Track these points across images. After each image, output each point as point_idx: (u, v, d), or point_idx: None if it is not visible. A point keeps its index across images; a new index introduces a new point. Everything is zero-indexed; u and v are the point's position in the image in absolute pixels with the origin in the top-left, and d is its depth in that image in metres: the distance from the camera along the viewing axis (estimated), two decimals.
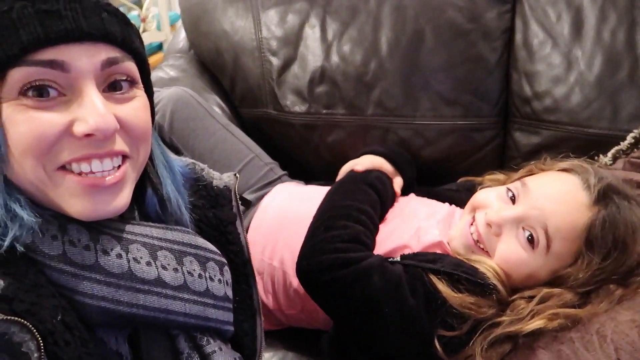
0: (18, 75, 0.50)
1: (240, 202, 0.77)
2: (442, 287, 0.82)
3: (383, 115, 1.28)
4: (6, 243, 0.52)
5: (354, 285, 0.86)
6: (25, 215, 0.53)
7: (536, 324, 0.80)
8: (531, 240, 0.85)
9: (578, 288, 0.83)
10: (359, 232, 0.92)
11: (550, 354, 0.80)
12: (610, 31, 1.15)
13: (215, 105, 1.36)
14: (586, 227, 0.83)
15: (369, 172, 1.07)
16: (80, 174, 0.54)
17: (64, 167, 0.54)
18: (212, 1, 1.40)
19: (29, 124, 0.51)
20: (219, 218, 0.74)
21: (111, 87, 0.56)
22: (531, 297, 0.83)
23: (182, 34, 1.56)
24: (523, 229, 0.86)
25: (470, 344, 0.81)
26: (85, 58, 0.52)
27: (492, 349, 0.81)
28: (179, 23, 2.44)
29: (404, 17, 1.27)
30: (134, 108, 0.57)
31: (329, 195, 1.00)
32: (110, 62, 0.54)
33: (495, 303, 0.83)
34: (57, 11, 0.50)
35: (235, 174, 0.78)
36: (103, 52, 0.53)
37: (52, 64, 0.51)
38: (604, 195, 0.84)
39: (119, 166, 0.56)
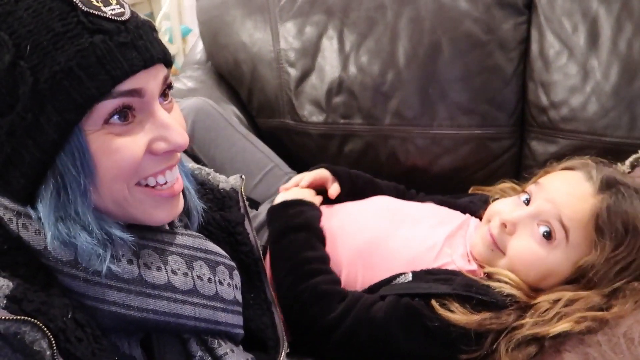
0: (106, 107, 0.52)
1: (247, 203, 0.79)
2: (454, 315, 0.83)
3: (400, 125, 1.30)
4: (105, 266, 0.55)
5: (349, 344, 0.87)
6: (123, 234, 0.56)
7: (563, 326, 0.80)
8: (547, 236, 0.87)
9: (601, 285, 0.84)
10: (317, 284, 0.90)
11: (577, 356, 0.80)
12: (627, 41, 1.17)
13: (233, 116, 1.38)
14: (593, 214, 0.86)
15: (287, 215, 1.01)
16: (154, 186, 0.58)
17: (139, 183, 0.57)
18: (231, 14, 1.42)
19: (121, 151, 0.53)
20: (227, 220, 0.75)
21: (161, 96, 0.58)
22: (556, 300, 0.84)
23: (200, 46, 1.58)
24: (538, 225, 0.88)
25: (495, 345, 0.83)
26: (153, 81, 0.55)
27: (518, 350, 0.82)
28: (190, 36, 2.48)
29: (421, 28, 1.29)
30: (179, 115, 0.60)
31: (272, 268, 0.97)
32: (165, 79, 0.57)
33: (515, 310, 0.84)
34: (131, 42, 0.52)
35: (241, 176, 0.80)
36: (160, 72, 0.56)
37: (133, 93, 0.53)
38: (607, 185, 0.88)
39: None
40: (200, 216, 0.69)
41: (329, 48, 1.34)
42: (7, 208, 0.55)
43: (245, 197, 0.79)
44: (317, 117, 1.35)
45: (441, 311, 0.83)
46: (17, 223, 0.55)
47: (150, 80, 0.54)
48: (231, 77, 1.46)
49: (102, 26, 0.51)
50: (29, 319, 0.50)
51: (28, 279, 0.53)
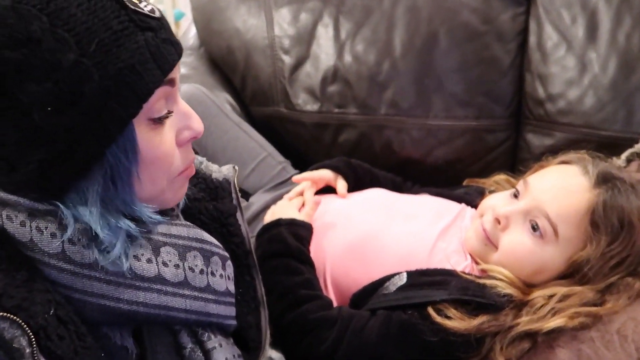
0: (153, 99, 0.54)
1: (239, 194, 0.79)
2: (452, 322, 0.82)
3: (395, 115, 1.29)
4: (116, 251, 0.56)
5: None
6: (155, 216, 0.59)
7: (557, 322, 0.80)
8: (536, 230, 0.87)
9: (596, 280, 0.84)
10: (305, 314, 0.88)
11: (570, 353, 0.80)
12: (625, 34, 1.16)
13: (225, 103, 1.36)
14: (589, 208, 0.85)
15: (265, 241, 0.97)
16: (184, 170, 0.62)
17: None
18: None
19: (166, 142, 0.57)
20: (220, 210, 0.75)
21: None
22: (551, 296, 0.84)
23: (192, 31, 1.55)
24: (529, 221, 0.88)
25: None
26: (177, 72, 0.57)
27: (512, 346, 0.82)
28: (183, 20, 2.45)
29: (418, 17, 1.27)
30: None
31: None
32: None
33: (512, 309, 0.84)
34: (169, 38, 0.55)
35: (234, 166, 0.79)
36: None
37: (172, 82, 0.56)
38: (604, 179, 0.87)
39: None
40: (184, 199, 0.69)
41: (324, 36, 1.32)
42: None
43: (237, 188, 0.78)
44: (312, 106, 1.33)
45: (438, 319, 0.82)
46: (1, 214, 0.54)
47: (176, 71, 0.57)
48: (224, 64, 1.44)
49: (148, 23, 0.53)
50: (8, 315, 0.49)
51: (9, 273, 0.52)
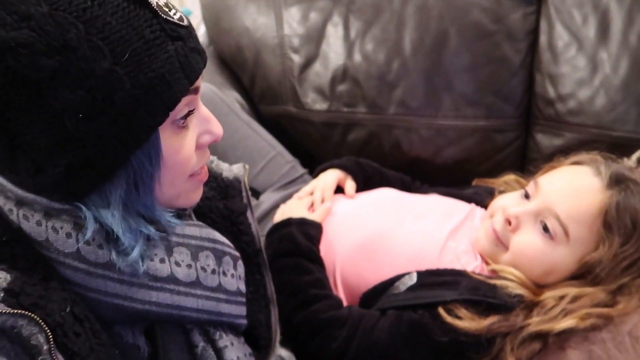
0: (179, 107, 0.54)
1: (250, 193, 0.79)
2: (463, 322, 0.82)
3: (405, 115, 1.29)
4: (135, 253, 0.57)
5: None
6: (172, 219, 0.61)
7: (568, 323, 0.80)
8: (547, 231, 0.86)
9: (607, 281, 0.84)
10: (315, 314, 0.88)
11: (581, 354, 0.80)
12: (637, 34, 1.16)
13: (235, 102, 1.36)
14: (601, 210, 0.85)
15: (275, 240, 0.98)
16: (199, 172, 0.62)
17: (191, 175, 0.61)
18: None
19: (188, 147, 0.57)
20: (230, 209, 0.75)
21: None
22: (562, 297, 0.84)
23: (202, 30, 1.55)
24: (540, 222, 0.88)
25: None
26: (200, 79, 0.57)
27: (522, 347, 0.82)
28: (190, 19, 2.45)
29: (428, 17, 1.27)
30: None
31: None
32: None
33: (522, 309, 0.84)
34: (196, 47, 0.55)
35: (244, 165, 0.80)
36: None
37: (195, 90, 0.56)
38: (617, 180, 0.87)
39: None
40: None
41: (334, 35, 1.32)
42: (8, 198, 0.55)
43: (248, 187, 0.78)
44: (321, 105, 1.33)
45: (449, 319, 0.82)
46: (17, 214, 0.54)
47: (201, 78, 0.57)
48: (234, 63, 1.44)
49: (178, 33, 0.53)
50: (26, 313, 0.50)
51: (26, 272, 0.53)
